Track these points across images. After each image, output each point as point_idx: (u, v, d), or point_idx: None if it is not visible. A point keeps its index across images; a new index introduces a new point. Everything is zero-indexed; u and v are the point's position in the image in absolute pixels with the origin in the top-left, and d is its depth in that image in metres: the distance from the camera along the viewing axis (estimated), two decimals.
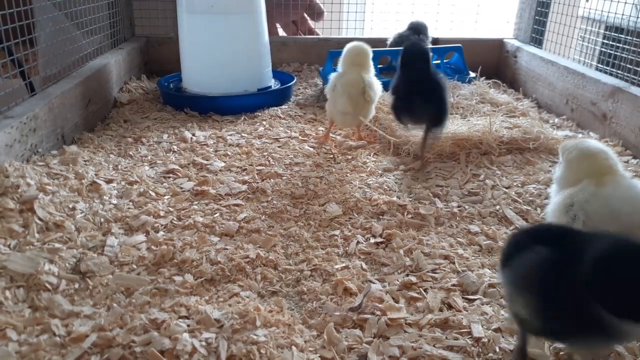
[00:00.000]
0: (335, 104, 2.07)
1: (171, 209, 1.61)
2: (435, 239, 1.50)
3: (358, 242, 1.47)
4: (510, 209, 1.66)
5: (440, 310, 1.21)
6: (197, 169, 1.90)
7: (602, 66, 2.60)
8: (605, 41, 2.68)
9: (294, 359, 1.03)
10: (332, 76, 2.15)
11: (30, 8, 2.08)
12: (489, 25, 3.89)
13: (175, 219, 1.56)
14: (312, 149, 2.09)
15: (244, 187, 1.76)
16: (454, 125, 2.13)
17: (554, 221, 1.22)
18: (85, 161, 1.85)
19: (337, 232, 1.52)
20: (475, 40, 3.31)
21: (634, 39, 2.36)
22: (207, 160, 1.96)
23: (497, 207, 1.67)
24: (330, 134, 2.24)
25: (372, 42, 3.12)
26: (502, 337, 1.12)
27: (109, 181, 1.74)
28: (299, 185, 1.79)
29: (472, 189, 1.79)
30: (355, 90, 2.03)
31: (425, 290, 1.28)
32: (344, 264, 1.37)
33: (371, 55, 2.15)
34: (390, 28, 3.67)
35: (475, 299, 1.25)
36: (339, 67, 2.16)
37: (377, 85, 2.11)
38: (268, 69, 2.76)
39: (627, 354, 1.07)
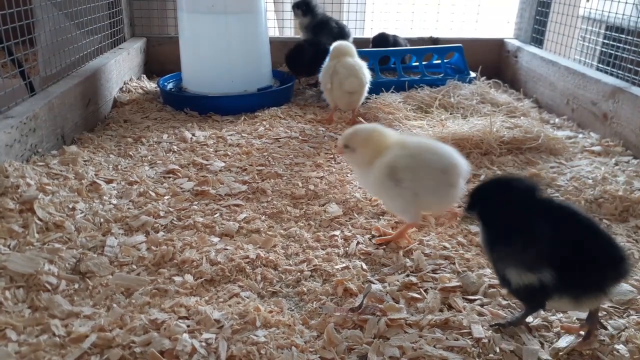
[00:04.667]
0: (342, 86, 2.23)
1: (171, 209, 1.61)
2: (436, 240, 1.49)
3: (358, 243, 1.47)
4: None
5: (441, 310, 1.21)
6: (197, 169, 1.90)
7: (602, 66, 2.60)
8: (606, 41, 2.68)
9: None
10: (326, 65, 2.30)
11: (31, 8, 2.07)
12: (490, 25, 3.89)
13: (175, 219, 1.56)
14: (312, 149, 2.09)
15: (244, 187, 1.76)
16: (454, 125, 2.13)
17: (379, 188, 1.43)
18: (85, 161, 1.85)
19: (337, 233, 1.52)
20: (475, 40, 3.31)
21: (635, 39, 2.35)
22: (207, 160, 1.96)
23: None
24: (332, 134, 2.25)
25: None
26: (502, 337, 1.12)
27: (108, 181, 1.74)
28: (299, 186, 1.78)
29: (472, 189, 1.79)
30: (358, 70, 2.24)
31: (425, 290, 1.28)
32: (344, 265, 1.37)
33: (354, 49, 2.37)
34: (390, 28, 3.67)
35: (475, 300, 1.25)
36: (331, 57, 2.31)
37: (366, 69, 2.31)
38: (268, 69, 2.76)
39: (627, 355, 1.07)
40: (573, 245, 1.02)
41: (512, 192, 1.10)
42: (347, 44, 2.34)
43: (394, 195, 1.41)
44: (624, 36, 2.41)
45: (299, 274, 1.33)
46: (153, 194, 1.68)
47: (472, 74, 2.85)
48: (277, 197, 1.71)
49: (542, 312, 1.19)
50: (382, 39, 3.06)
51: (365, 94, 2.34)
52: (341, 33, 2.97)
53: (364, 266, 1.37)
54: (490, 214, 1.12)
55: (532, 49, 3.04)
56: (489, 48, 3.31)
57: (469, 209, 1.17)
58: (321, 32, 2.93)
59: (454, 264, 1.38)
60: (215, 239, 1.46)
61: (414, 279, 1.31)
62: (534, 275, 1.03)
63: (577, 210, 1.09)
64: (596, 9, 2.72)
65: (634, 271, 1.34)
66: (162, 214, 1.57)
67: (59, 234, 1.41)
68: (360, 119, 2.36)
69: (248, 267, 1.33)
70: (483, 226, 1.14)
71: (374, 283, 1.30)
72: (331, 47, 2.34)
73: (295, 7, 3.03)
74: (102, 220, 1.51)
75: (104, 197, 1.63)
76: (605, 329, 1.14)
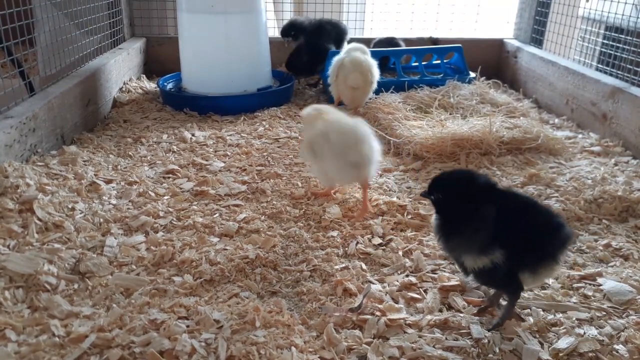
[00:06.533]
0: (346, 80, 2.26)
1: (170, 209, 1.61)
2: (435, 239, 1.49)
3: (358, 243, 1.47)
4: None
5: (440, 310, 1.21)
6: (197, 169, 1.90)
7: (602, 66, 2.60)
8: (605, 41, 2.68)
9: None
10: (336, 58, 2.33)
11: (30, 8, 2.07)
12: (489, 25, 3.89)
13: (174, 219, 1.56)
14: None
15: (244, 188, 1.76)
16: (454, 125, 2.13)
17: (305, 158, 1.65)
18: (84, 161, 1.85)
19: (336, 233, 1.52)
20: (475, 41, 3.31)
21: (634, 39, 2.35)
22: (206, 160, 1.96)
23: None
24: None
25: (372, 42, 3.13)
26: (502, 337, 1.12)
27: (108, 181, 1.74)
28: (298, 186, 1.78)
29: None
30: (365, 67, 2.26)
31: (425, 290, 1.28)
32: (343, 265, 1.37)
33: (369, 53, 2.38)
34: (390, 28, 3.67)
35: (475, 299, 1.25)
36: (343, 52, 2.35)
37: (377, 70, 2.33)
38: (268, 69, 2.76)
39: (626, 355, 1.07)
40: (519, 222, 1.09)
41: (463, 184, 1.16)
42: (363, 47, 2.37)
43: (313, 165, 1.66)
44: (623, 36, 2.41)
45: (298, 274, 1.33)
46: (152, 194, 1.68)
47: (472, 74, 2.84)
48: (276, 197, 1.71)
49: (541, 312, 1.20)
50: (383, 44, 3.06)
51: (371, 93, 2.36)
52: (338, 32, 2.98)
53: (364, 266, 1.37)
54: (445, 204, 1.18)
55: (532, 49, 3.04)
56: (489, 48, 3.31)
57: (425, 194, 1.22)
58: (319, 37, 2.93)
59: (453, 263, 1.38)
60: (215, 239, 1.46)
61: (413, 279, 1.31)
62: (487, 258, 1.08)
63: (515, 192, 1.23)
64: (596, 9, 2.72)
65: (571, 245, 1.34)
66: (161, 214, 1.57)
67: (58, 234, 1.41)
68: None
69: (247, 267, 1.33)
70: (438, 214, 1.19)
71: (373, 283, 1.30)
72: (347, 46, 2.39)
73: (284, 35, 2.98)
74: (101, 220, 1.51)
75: (104, 197, 1.63)
76: (499, 308, 1.21)
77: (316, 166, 1.62)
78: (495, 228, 1.07)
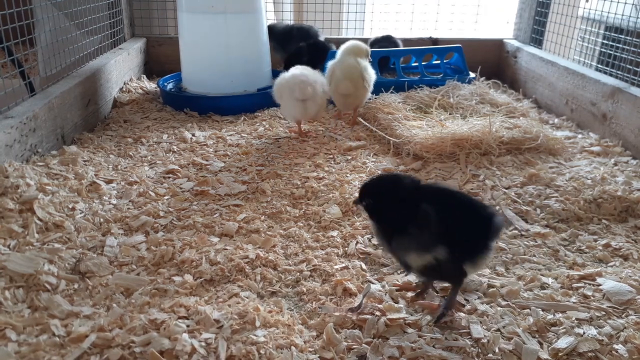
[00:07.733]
0: (337, 88, 2.26)
1: (171, 209, 1.61)
2: None
3: (357, 243, 1.47)
4: (510, 209, 1.66)
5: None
6: (197, 169, 1.91)
7: (601, 66, 2.60)
8: (605, 41, 2.68)
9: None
10: (330, 64, 2.33)
11: (31, 8, 2.08)
12: (489, 25, 3.89)
13: (174, 219, 1.56)
14: (312, 149, 2.09)
15: (244, 188, 1.76)
16: (453, 126, 2.13)
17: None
18: (85, 161, 1.85)
19: (336, 233, 1.52)
20: (475, 41, 3.31)
21: (634, 39, 2.35)
22: (206, 160, 1.97)
23: (497, 207, 1.67)
24: (332, 134, 2.26)
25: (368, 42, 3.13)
26: (502, 337, 1.12)
27: (108, 181, 1.74)
28: (298, 186, 1.79)
29: (471, 189, 1.79)
30: (355, 74, 2.25)
31: None
32: (343, 265, 1.37)
33: (368, 50, 2.36)
34: (390, 28, 3.67)
35: (475, 299, 1.25)
36: (337, 56, 2.34)
37: (372, 70, 2.32)
38: (268, 69, 2.76)
39: (625, 355, 1.07)
40: (456, 218, 1.12)
41: (396, 186, 1.16)
42: (358, 45, 2.33)
43: (281, 102, 2.16)
44: (623, 36, 2.41)
45: (298, 273, 1.34)
46: (153, 194, 1.68)
47: (472, 74, 2.85)
48: (276, 197, 1.71)
49: (540, 312, 1.20)
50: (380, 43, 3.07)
51: (368, 94, 2.34)
52: (306, 37, 2.98)
53: (363, 266, 1.37)
54: (376, 208, 1.17)
55: (532, 49, 3.04)
56: (489, 48, 3.31)
57: (357, 201, 1.21)
58: (288, 44, 2.95)
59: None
60: (215, 239, 1.46)
61: (413, 279, 1.31)
62: (430, 255, 1.10)
63: (448, 188, 1.26)
64: (595, 10, 2.72)
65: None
66: (161, 214, 1.58)
67: (58, 234, 1.41)
68: (360, 119, 2.38)
69: (247, 267, 1.34)
70: (373, 220, 1.20)
71: (373, 283, 1.30)
72: (341, 47, 2.35)
73: None
74: (101, 220, 1.51)
75: (104, 197, 1.64)
76: (437, 292, 1.27)
77: (282, 103, 2.14)
78: (437, 225, 1.09)
